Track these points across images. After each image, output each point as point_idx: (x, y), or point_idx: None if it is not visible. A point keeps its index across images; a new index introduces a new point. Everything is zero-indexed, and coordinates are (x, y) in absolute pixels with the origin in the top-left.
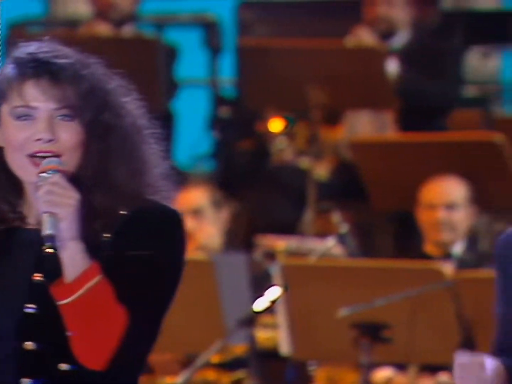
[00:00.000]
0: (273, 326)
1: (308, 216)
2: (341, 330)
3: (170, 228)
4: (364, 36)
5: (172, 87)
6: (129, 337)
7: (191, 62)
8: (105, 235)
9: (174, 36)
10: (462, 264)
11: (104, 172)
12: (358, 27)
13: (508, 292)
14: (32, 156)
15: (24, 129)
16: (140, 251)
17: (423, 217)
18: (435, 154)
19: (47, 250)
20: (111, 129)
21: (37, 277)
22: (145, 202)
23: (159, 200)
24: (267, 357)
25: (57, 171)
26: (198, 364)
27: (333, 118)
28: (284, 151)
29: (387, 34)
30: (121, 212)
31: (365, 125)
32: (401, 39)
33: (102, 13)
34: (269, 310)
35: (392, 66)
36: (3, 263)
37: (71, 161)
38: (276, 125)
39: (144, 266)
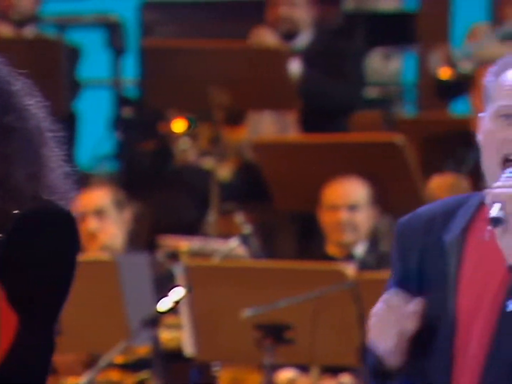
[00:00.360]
0: (177, 327)
1: (211, 217)
2: (245, 331)
3: (60, 228)
4: (266, 37)
5: (74, 88)
6: (21, 341)
7: (94, 62)
8: None
9: (76, 36)
10: (364, 265)
11: (3, 175)
12: (260, 28)
13: (405, 273)
14: None
15: None
16: (31, 252)
17: (325, 218)
18: (337, 155)
19: None
20: (13, 131)
21: None
22: (39, 203)
23: (57, 201)
24: (171, 358)
25: None
26: (102, 364)
27: (235, 118)
28: (187, 151)
29: (289, 34)
30: (14, 211)
31: (268, 126)
32: (303, 39)
33: (2, 14)
34: (173, 310)
35: (295, 67)
36: None
37: None
38: (179, 125)
39: (34, 268)
